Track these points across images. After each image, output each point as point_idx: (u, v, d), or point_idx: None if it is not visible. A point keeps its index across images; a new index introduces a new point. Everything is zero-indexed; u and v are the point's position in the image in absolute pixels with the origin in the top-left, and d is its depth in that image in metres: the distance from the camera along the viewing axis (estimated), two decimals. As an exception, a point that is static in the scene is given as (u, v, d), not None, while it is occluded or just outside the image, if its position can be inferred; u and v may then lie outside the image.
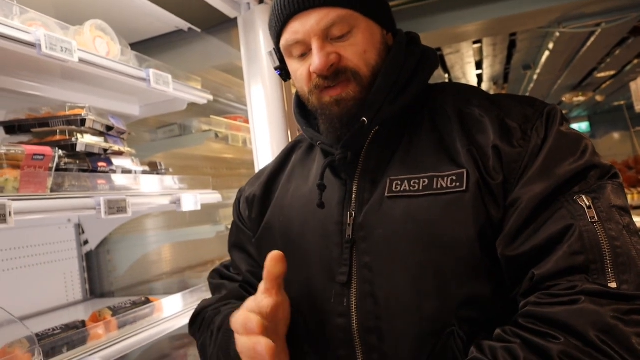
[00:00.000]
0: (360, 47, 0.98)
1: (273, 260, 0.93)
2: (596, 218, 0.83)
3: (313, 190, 1.07)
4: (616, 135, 13.73)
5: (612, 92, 9.93)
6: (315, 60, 0.96)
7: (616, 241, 0.81)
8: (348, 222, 1.00)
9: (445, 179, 0.93)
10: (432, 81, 1.10)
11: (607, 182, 0.88)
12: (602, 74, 7.98)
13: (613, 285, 0.78)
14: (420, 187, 0.94)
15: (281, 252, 0.94)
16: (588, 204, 0.84)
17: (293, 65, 1.04)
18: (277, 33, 1.03)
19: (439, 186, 0.93)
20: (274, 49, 1.10)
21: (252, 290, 1.18)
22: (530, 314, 0.82)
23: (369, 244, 0.97)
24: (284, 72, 1.11)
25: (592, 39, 5.51)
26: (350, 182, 1.03)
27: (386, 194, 0.97)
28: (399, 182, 0.97)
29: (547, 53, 5.97)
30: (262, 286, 0.95)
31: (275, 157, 1.27)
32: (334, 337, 0.99)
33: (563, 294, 0.80)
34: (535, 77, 7.37)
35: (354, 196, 1.02)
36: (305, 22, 0.97)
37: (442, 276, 0.90)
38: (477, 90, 1.07)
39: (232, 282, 1.22)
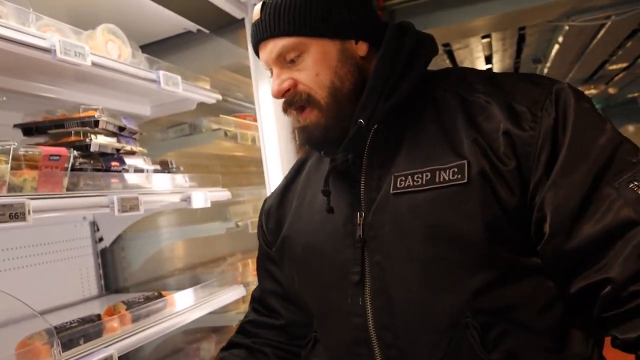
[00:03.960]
0: (311, 71, 1.02)
1: None
2: None
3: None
4: (631, 128, 13.52)
5: (625, 84, 9.82)
6: (272, 86, 1.05)
7: None
8: (358, 222, 1.02)
9: (447, 171, 0.93)
10: None
11: None
12: (614, 67, 7.89)
13: None
14: (424, 182, 0.94)
15: None
16: None
17: None
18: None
19: (441, 179, 0.93)
20: None
21: (262, 317, 1.28)
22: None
23: (378, 243, 0.98)
24: None
25: (602, 31, 5.46)
26: (357, 183, 1.05)
27: (391, 191, 0.98)
28: (403, 178, 0.97)
29: (557, 46, 5.93)
30: None
31: (290, 167, 1.33)
32: (352, 336, 1.01)
33: None
34: (545, 70, 7.32)
35: (362, 196, 1.03)
36: (264, 51, 1.06)
37: (452, 269, 0.91)
38: (479, 73, 1.05)
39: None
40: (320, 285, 1.09)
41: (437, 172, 0.94)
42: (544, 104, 0.92)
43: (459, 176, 0.91)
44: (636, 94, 11.44)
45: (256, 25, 1.05)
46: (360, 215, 1.02)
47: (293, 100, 1.04)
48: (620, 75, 8.76)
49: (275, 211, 1.23)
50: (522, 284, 0.91)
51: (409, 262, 0.95)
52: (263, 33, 1.03)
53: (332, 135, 1.03)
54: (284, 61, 1.03)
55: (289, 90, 1.03)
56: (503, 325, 0.90)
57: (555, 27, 5.24)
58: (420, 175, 0.96)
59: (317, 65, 1.02)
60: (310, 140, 1.06)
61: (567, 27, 4.99)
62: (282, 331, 1.25)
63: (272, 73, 1.08)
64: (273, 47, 1.02)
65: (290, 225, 1.17)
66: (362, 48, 1.06)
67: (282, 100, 1.07)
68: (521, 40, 5.87)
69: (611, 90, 10.19)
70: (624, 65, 7.93)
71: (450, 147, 0.95)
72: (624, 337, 0.83)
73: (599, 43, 5.98)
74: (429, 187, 0.94)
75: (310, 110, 1.04)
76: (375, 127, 1.02)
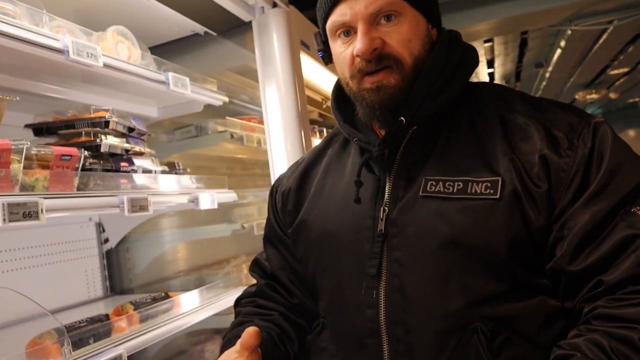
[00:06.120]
0: (405, 36, 1.00)
1: (248, 335, 1.01)
2: None
3: (348, 185, 1.11)
4: (631, 133, 13.59)
5: (626, 89, 9.86)
6: (359, 43, 0.99)
7: None
8: (381, 217, 1.03)
9: (480, 184, 0.95)
10: None
11: None
12: (616, 71, 7.93)
13: None
14: (455, 190, 0.97)
15: (256, 329, 1.02)
16: None
17: (337, 48, 1.07)
18: (325, 14, 1.06)
19: (472, 191, 0.96)
20: (318, 32, 1.13)
21: (279, 287, 1.25)
22: (602, 315, 0.86)
23: (400, 240, 1.01)
24: (326, 55, 1.14)
25: (605, 36, 5.49)
26: (384, 178, 1.06)
27: (420, 193, 1.00)
28: (434, 183, 0.99)
29: (559, 51, 5.96)
30: (237, 347, 1.04)
31: (311, 149, 1.31)
32: (362, 326, 1.03)
33: (631, 298, 0.84)
34: (547, 75, 7.36)
35: (387, 192, 1.05)
36: (353, 5, 0.99)
37: (468, 277, 0.95)
38: (518, 93, 1.09)
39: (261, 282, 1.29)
40: (336, 273, 1.10)
41: (470, 184, 0.96)
42: (581, 132, 0.95)
43: (491, 191, 0.94)
44: (637, 99, 11.47)
45: None
46: (384, 211, 1.04)
47: (380, 60, 0.99)
48: (622, 80, 8.79)
49: (295, 194, 1.23)
50: (529, 299, 0.95)
51: (428, 263, 0.97)
52: None
53: (403, 112, 1.01)
54: (374, 20, 0.99)
55: (375, 49, 0.99)
56: (507, 333, 0.93)
57: (558, 31, 5.26)
58: (452, 183, 0.98)
59: (412, 31, 1.01)
60: (390, 102, 1.01)
61: (569, 32, 5.02)
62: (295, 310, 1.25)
63: (340, 34, 1.04)
64: (373, 1, 0.98)
65: (307, 210, 1.18)
66: (435, 34, 1.08)
67: (354, 61, 1.02)
68: (523, 44, 5.89)
69: (612, 95, 10.23)
70: (626, 70, 7.97)
71: (485, 161, 0.98)
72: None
73: (600, 48, 6.01)
74: (460, 196, 0.97)
75: (390, 72, 1.00)
76: (414, 127, 1.04)
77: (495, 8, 4.03)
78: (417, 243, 0.99)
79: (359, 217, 1.07)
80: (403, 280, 0.99)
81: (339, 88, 1.15)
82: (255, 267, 1.33)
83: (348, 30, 1.03)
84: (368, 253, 1.04)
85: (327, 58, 1.14)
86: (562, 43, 5.63)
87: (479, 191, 0.95)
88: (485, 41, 5.55)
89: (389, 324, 1.00)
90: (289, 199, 1.23)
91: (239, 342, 1.03)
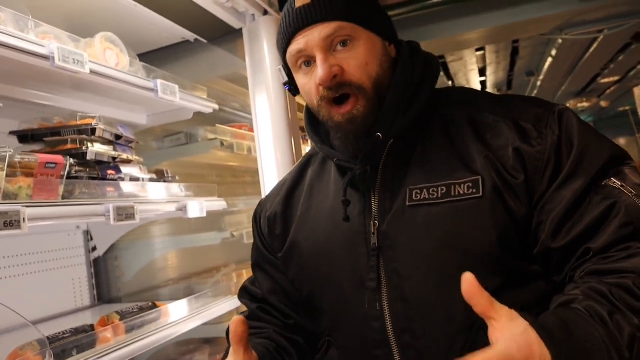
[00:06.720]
0: (362, 60, 1.02)
1: (234, 324, 0.97)
2: (633, 193, 0.91)
3: (334, 203, 1.12)
4: (622, 141, 13.65)
5: (616, 97, 9.92)
6: (319, 71, 1.01)
7: None
8: (372, 231, 1.05)
9: (462, 185, 0.98)
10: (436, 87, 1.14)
11: (624, 166, 0.96)
12: (606, 80, 7.98)
13: None
14: (439, 195, 1.00)
15: (242, 317, 0.98)
16: (620, 183, 0.92)
17: (300, 80, 1.09)
18: (283, 49, 1.08)
19: (456, 193, 0.99)
20: (282, 65, 1.14)
21: (272, 310, 1.24)
22: (594, 271, 0.89)
23: (395, 251, 1.02)
24: (292, 87, 1.15)
25: (595, 45, 5.52)
26: (369, 193, 1.08)
27: (407, 203, 1.02)
28: (418, 191, 1.02)
29: (550, 60, 5.99)
30: (231, 349, 1.00)
31: (290, 171, 1.31)
32: (370, 338, 1.04)
33: (619, 254, 0.87)
34: (538, 83, 7.39)
35: (374, 206, 1.07)
36: (308, 36, 1.02)
37: None
38: (483, 94, 1.13)
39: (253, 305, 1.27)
40: (335, 291, 1.11)
41: (453, 187, 0.99)
42: (547, 121, 0.99)
43: (474, 190, 0.97)
44: (627, 107, 11.54)
45: (305, 9, 1.02)
46: (374, 225, 1.05)
47: (340, 87, 1.01)
48: (612, 88, 8.85)
49: (282, 217, 1.23)
50: (526, 288, 0.98)
51: (425, 270, 0.99)
52: (315, 15, 1.01)
53: (379, 128, 1.03)
54: (330, 47, 1.02)
55: (335, 76, 1.01)
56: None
57: (549, 40, 5.29)
58: (435, 189, 1.01)
59: (368, 54, 1.03)
60: (363, 128, 1.03)
61: (560, 41, 5.04)
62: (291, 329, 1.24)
63: (300, 64, 1.05)
64: (324, 28, 1.00)
65: (297, 233, 1.18)
66: (393, 50, 1.10)
67: (318, 90, 1.04)
68: (515, 53, 5.91)
69: (603, 104, 10.30)
70: (616, 78, 8.02)
71: (463, 163, 1.01)
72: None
73: (591, 57, 6.04)
74: (445, 200, 0.99)
75: (356, 99, 1.02)
76: (391, 141, 1.05)
77: (487, 17, 4.04)
78: (411, 252, 1.01)
79: (351, 233, 1.08)
80: (404, 289, 1.01)
81: (309, 112, 1.16)
82: (244, 293, 1.32)
83: (308, 61, 1.05)
84: (365, 267, 1.05)
85: (293, 90, 1.16)
86: (553, 52, 5.66)
87: (462, 192, 0.98)
88: (477, 50, 5.57)
89: (397, 333, 1.01)
90: (276, 223, 1.23)
91: (230, 336, 0.99)
